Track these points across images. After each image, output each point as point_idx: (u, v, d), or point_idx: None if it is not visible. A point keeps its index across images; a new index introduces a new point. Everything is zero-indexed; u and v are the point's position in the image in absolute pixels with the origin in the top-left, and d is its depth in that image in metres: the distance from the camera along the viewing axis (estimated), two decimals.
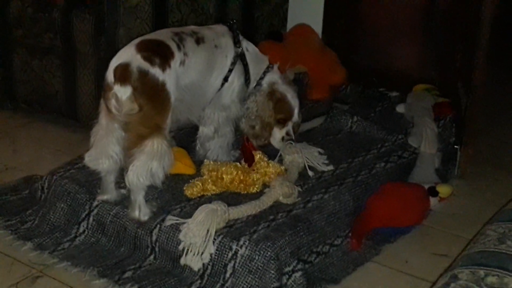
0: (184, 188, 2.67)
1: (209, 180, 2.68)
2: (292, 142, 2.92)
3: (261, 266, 2.31)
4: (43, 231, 2.68)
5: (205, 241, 2.37)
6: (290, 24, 4.24)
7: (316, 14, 4.15)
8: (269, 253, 2.32)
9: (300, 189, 2.70)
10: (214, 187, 2.67)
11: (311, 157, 2.92)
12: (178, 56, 2.52)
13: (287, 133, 2.95)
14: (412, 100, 3.52)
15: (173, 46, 2.53)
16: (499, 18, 3.29)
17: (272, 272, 2.30)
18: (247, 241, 2.35)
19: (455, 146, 3.39)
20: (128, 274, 2.43)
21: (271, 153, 2.88)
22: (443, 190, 3.04)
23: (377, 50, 3.99)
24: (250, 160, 2.78)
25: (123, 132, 2.48)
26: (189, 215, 2.45)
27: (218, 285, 2.35)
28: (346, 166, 2.98)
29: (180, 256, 2.41)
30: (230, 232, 2.41)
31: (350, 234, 2.67)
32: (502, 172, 3.46)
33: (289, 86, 2.95)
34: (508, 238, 1.71)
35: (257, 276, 2.31)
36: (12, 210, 2.82)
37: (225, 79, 2.76)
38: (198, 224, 2.38)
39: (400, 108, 3.57)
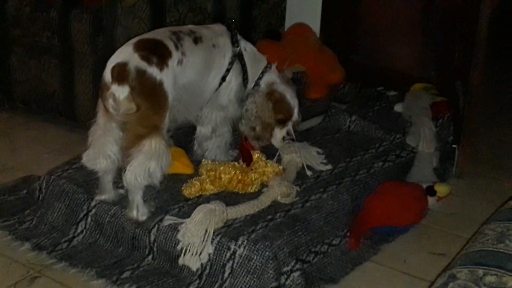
0: (182, 188, 2.67)
1: (207, 180, 2.68)
2: (291, 141, 2.92)
3: (259, 266, 2.31)
4: (41, 231, 2.68)
5: (203, 241, 2.37)
6: (288, 23, 4.24)
7: (314, 13, 4.14)
8: (267, 253, 2.31)
9: (298, 188, 2.70)
10: (212, 187, 2.67)
11: (309, 156, 2.92)
12: (175, 55, 2.52)
13: (288, 133, 2.95)
14: (410, 99, 3.52)
15: (171, 46, 2.52)
16: (499, 18, 3.29)
17: (271, 272, 2.30)
18: (245, 241, 2.35)
19: (453, 145, 3.40)
20: (126, 274, 2.43)
21: (270, 153, 2.88)
22: (441, 189, 3.04)
23: (375, 49, 3.99)
24: (248, 160, 2.78)
25: (121, 131, 2.47)
26: (187, 215, 2.45)
27: (217, 285, 2.35)
28: (344, 165, 2.98)
29: (178, 256, 2.41)
30: (228, 232, 2.41)
31: (348, 234, 2.67)
32: (500, 171, 3.47)
33: (288, 86, 2.94)
34: (507, 237, 1.71)
35: (255, 276, 2.31)
36: (10, 210, 2.81)
37: (223, 79, 2.76)
38: (196, 224, 2.38)
39: (398, 108, 3.56)
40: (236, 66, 2.79)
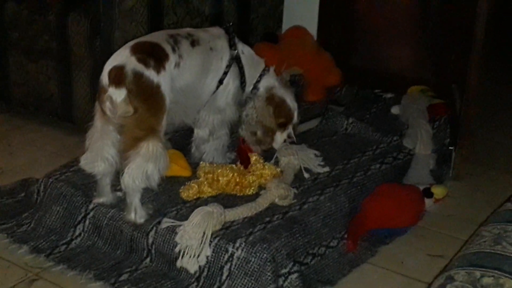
0: (180, 190, 2.67)
1: (205, 182, 2.68)
2: (289, 144, 2.92)
3: (257, 268, 2.31)
4: (39, 234, 2.68)
5: (201, 244, 2.37)
6: (285, 26, 4.24)
7: (311, 15, 4.15)
8: (265, 255, 2.32)
9: (296, 191, 2.71)
10: (210, 189, 2.67)
11: (307, 159, 2.93)
12: (173, 58, 2.52)
13: (289, 136, 2.95)
14: (407, 102, 3.53)
15: (168, 48, 2.52)
16: (497, 18, 3.29)
17: (268, 274, 2.31)
18: (243, 243, 2.35)
19: (450, 147, 3.40)
20: (124, 276, 2.43)
21: (267, 155, 2.89)
22: (438, 191, 3.05)
23: (372, 52, 4.00)
24: (246, 162, 2.78)
25: (118, 134, 2.47)
26: (185, 217, 2.45)
27: (215, 287, 2.35)
28: (341, 167, 2.98)
29: (176, 259, 2.41)
30: (226, 234, 2.41)
31: (345, 236, 2.68)
32: (497, 173, 3.47)
33: (287, 89, 2.93)
34: (504, 239, 1.72)
35: (253, 278, 2.31)
36: (8, 213, 2.81)
37: (220, 82, 2.76)
38: (194, 226, 2.38)
39: (395, 110, 3.57)
40: (234, 69, 2.79)
